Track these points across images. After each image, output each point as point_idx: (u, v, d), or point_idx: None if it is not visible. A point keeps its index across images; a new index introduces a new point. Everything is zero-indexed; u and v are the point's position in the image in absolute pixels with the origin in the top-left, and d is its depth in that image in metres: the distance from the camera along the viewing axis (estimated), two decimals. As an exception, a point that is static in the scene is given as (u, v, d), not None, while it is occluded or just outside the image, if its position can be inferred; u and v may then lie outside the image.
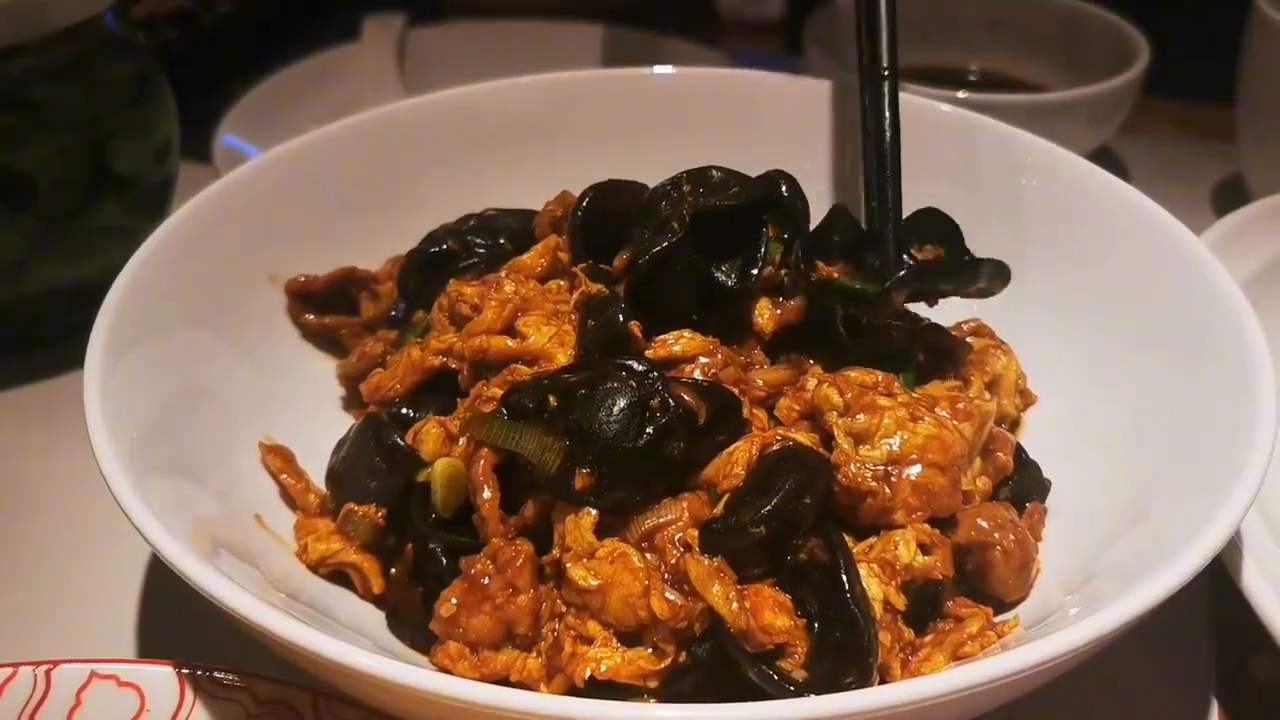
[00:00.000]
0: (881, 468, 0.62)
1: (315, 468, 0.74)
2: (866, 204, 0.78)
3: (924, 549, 0.62)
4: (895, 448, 0.63)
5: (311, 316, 0.83)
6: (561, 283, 0.74)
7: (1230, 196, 1.18)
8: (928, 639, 0.61)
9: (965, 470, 0.66)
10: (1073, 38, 1.25)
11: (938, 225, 0.76)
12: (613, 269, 0.70)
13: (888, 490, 0.62)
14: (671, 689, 0.58)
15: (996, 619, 0.64)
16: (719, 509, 0.61)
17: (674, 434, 0.61)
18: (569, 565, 0.60)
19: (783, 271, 0.71)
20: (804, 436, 0.64)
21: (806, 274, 0.70)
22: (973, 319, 0.80)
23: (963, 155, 0.87)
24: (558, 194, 0.81)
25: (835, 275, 0.71)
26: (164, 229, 0.75)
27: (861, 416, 0.64)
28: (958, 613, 0.63)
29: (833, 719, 0.47)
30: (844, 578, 0.57)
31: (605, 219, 0.72)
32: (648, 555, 0.60)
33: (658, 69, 0.96)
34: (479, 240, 0.82)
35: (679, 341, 0.67)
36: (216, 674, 0.60)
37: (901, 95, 0.91)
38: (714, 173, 0.71)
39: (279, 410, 0.77)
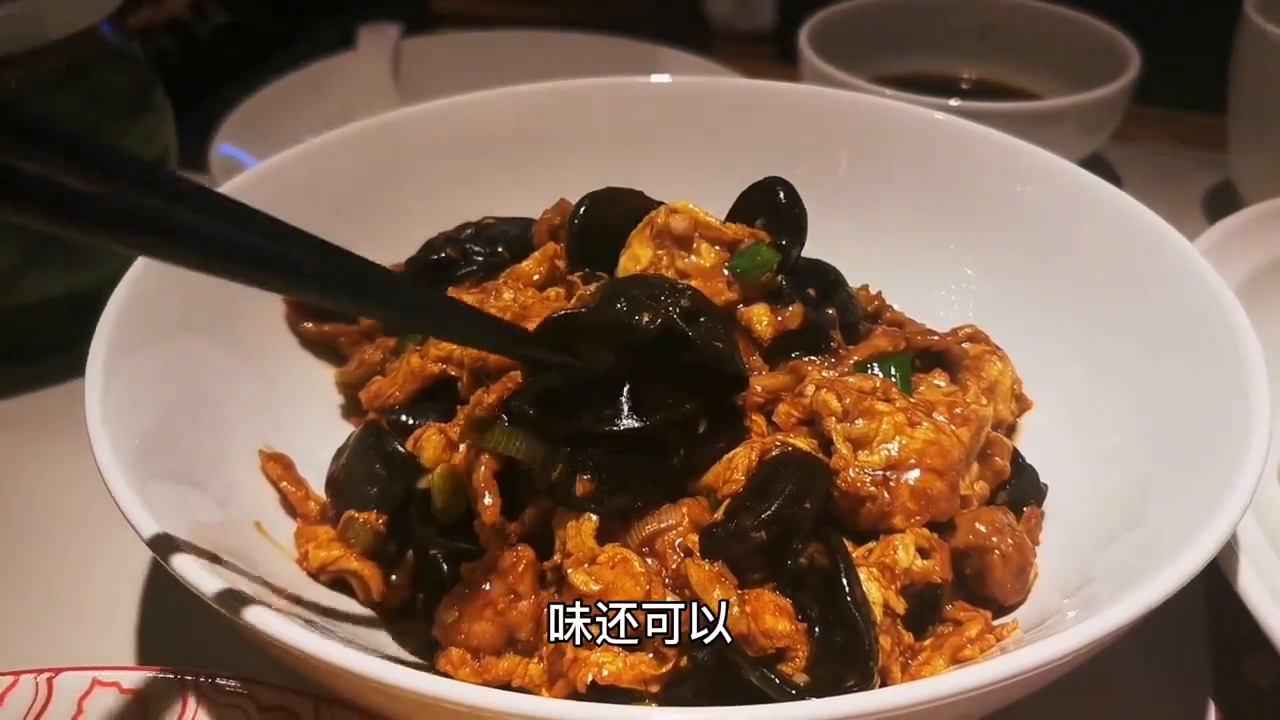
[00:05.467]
0: (880, 472, 0.63)
1: (315, 475, 0.74)
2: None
3: (923, 553, 0.62)
4: (894, 452, 0.63)
5: (310, 324, 0.83)
6: (559, 290, 0.74)
7: (1221, 203, 1.19)
8: (927, 642, 0.62)
9: (963, 475, 0.66)
10: (1064, 45, 1.26)
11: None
12: None
13: (886, 495, 0.62)
14: (673, 693, 0.58)
15: (995, 622, 0.64)
16: (719, 514, 0.61)
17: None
18: (570, 571, 0.60)
19: (780, 278, 0.71)
20: (803, 442, 0.65)
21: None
22: (969, 325, 0.80)
23: (959, 163, 0.87)
24: (555, 202, 0.81)
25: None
26: (163, 238, 0.75)
27: (860, 421, 0.64)
28: (957, 616, 0.63)
29: (834, 721, 0.47)
30: (844, 582, 0.58)
31: (602, 227, 0.73)
32: (649, 560, 0.60)
33: (655, 77, 0.96)
34: (477, 248, 0.82)
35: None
36: (219, 681, 0.60)
37: (897, 105, 0.92)
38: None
39: (278, 418, 0.77)
